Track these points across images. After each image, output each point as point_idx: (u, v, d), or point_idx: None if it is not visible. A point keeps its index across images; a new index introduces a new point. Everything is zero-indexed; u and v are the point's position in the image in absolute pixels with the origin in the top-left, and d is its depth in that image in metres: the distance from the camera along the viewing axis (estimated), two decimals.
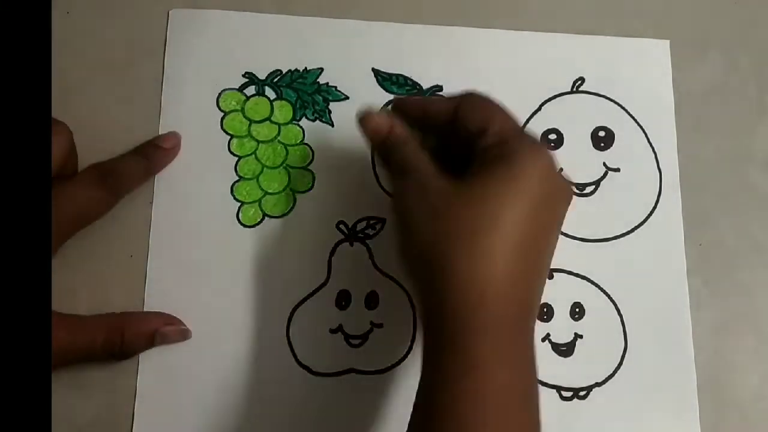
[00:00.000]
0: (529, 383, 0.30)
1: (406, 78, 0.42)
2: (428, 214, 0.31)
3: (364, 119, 0.34)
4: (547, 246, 0.32)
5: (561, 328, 0.40)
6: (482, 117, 0.33)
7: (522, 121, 0.42)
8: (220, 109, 0.41)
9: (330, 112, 0.42)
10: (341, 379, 0.38)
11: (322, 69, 0.42)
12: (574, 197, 0.41)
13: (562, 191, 0.33)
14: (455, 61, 0.42)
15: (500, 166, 0.31)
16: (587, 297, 0.40)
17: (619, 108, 0.43)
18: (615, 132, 0.43)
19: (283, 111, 0.42)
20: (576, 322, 0.40)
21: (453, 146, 0.34)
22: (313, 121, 0.42)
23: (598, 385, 0.39)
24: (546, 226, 0.32)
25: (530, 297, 0.31)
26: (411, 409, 0.30)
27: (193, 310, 0.39)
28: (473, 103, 0.34)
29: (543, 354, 0.39)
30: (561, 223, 0.33)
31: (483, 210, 0.30)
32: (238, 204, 0.40)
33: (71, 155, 0.38)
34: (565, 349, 0.40)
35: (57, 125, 0.37)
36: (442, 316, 0.30)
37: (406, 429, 0.30)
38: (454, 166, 0.33)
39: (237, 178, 0.41)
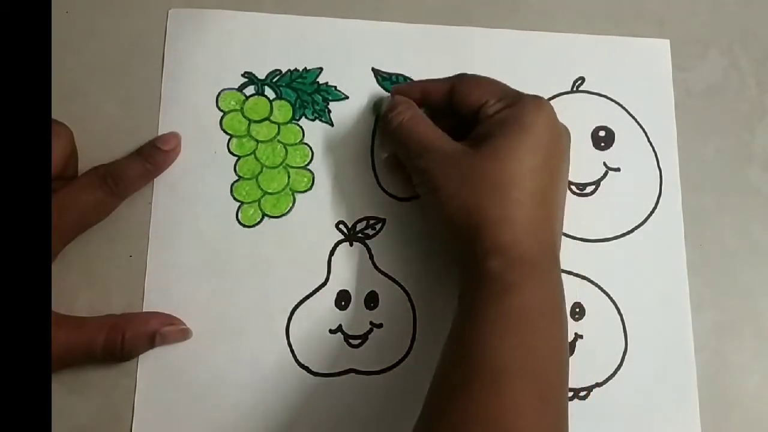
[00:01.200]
0: (555, 305, 0.33)
1: (406, 78, 0.42)
2: (458, 177, 0.34)
3: (391, 106, 0.38)
4: (561, 187, 0.36)
5: None
6: (480, 93, 0.37)
7: None
8: (219, 108, 0.41)
9: (329, 111, 0.42)
10: (341, 379, 0.38)
11: (321, 69, 0.42)
12: (574, 197, 0.41)
13: (566, 134, 0.37)
14: (455, 61, 0.42)
15: (511, 124, 0.34)
16: (587, 297, 0.40)
17: (619, 108, 0.43)
18: (615, 132, 0.43)
19: (282, 111, 0.42)
20: (576, 322, 0.40)
21: (447, 123, 0.37)
22: (313, 120, 0.42)
23: (598, 385, 0.39)
24: (559, 169, 0.36)
25: (552, 232, 0.35)
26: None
27: (193, 310, 0.39)
28: (468, 82, 0.38)
29: None
30: (568, 164, 0.37)
31: (505, 164, 0.34)
32: (238, 204, 0.40)
33: (72, 157, 0.38)
34: None
35: (58, 126, 0.37)
36: (479, 258, 0.33)
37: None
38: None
39: (236, 177, 0.41)
